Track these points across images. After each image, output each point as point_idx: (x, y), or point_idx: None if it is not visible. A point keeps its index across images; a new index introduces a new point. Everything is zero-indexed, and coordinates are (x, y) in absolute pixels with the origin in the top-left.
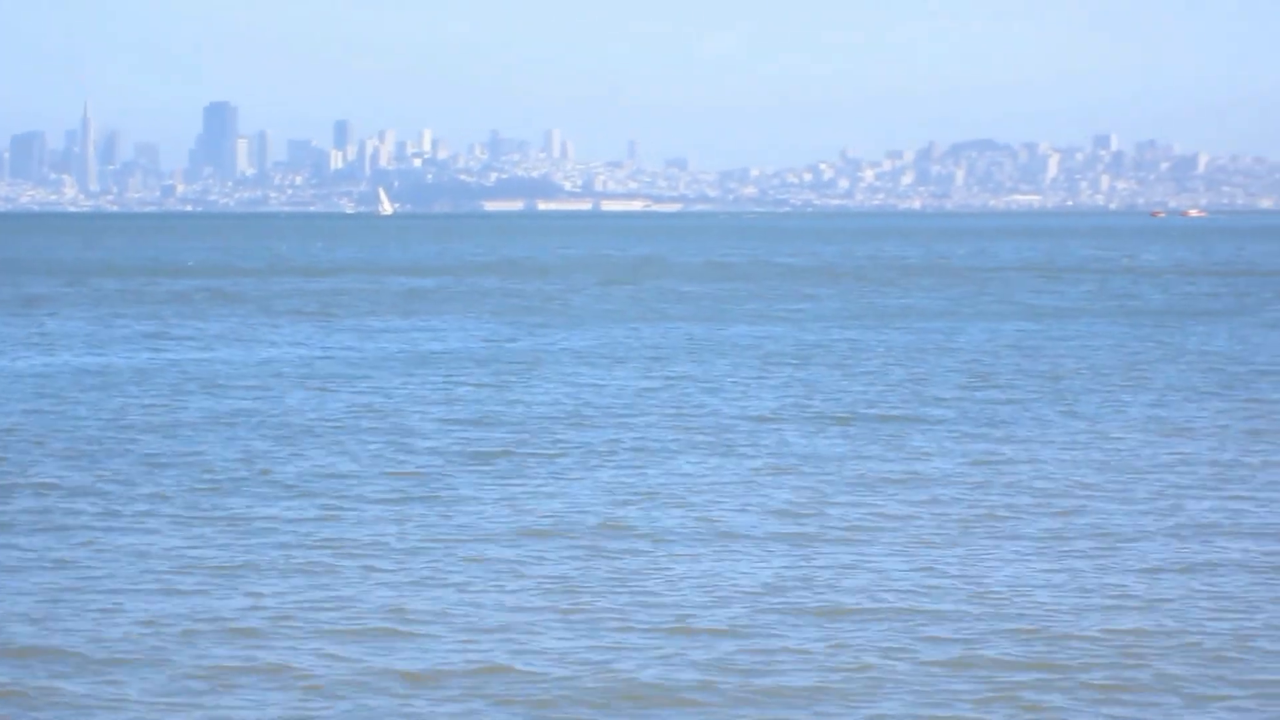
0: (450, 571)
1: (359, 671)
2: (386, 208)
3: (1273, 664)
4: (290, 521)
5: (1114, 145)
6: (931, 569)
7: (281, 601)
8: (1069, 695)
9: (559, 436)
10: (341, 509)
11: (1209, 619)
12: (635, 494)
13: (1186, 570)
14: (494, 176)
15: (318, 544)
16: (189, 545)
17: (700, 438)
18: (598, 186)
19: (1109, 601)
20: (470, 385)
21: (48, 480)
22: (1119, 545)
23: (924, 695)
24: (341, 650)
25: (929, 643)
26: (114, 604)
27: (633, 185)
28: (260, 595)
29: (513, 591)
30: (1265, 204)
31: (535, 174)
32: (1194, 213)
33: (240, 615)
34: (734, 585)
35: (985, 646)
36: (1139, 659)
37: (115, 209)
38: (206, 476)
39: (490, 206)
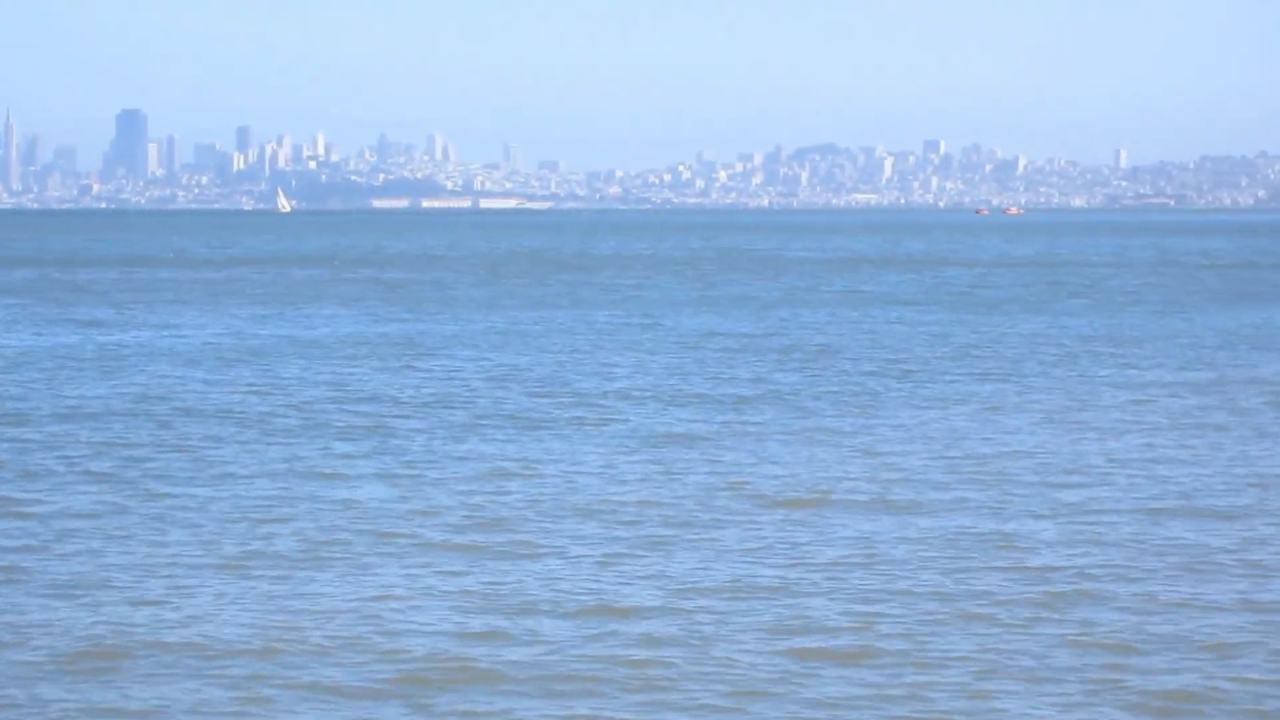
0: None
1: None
2: (284, 205)
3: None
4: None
5: (943, 149)
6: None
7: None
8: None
9: (426, 412)
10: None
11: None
12: (493, 468)
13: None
14: (382, 177)
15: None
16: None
17: (564, 414)
18: (476, 186)
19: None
20: (355, 368)
21: None
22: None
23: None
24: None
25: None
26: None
27: (508, 185)
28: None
29: (408, 571)
30: (1077, 202)
31: (420, 175)
32: (1013, 210)
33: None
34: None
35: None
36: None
37: (36, 206)
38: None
39: (378, 204)
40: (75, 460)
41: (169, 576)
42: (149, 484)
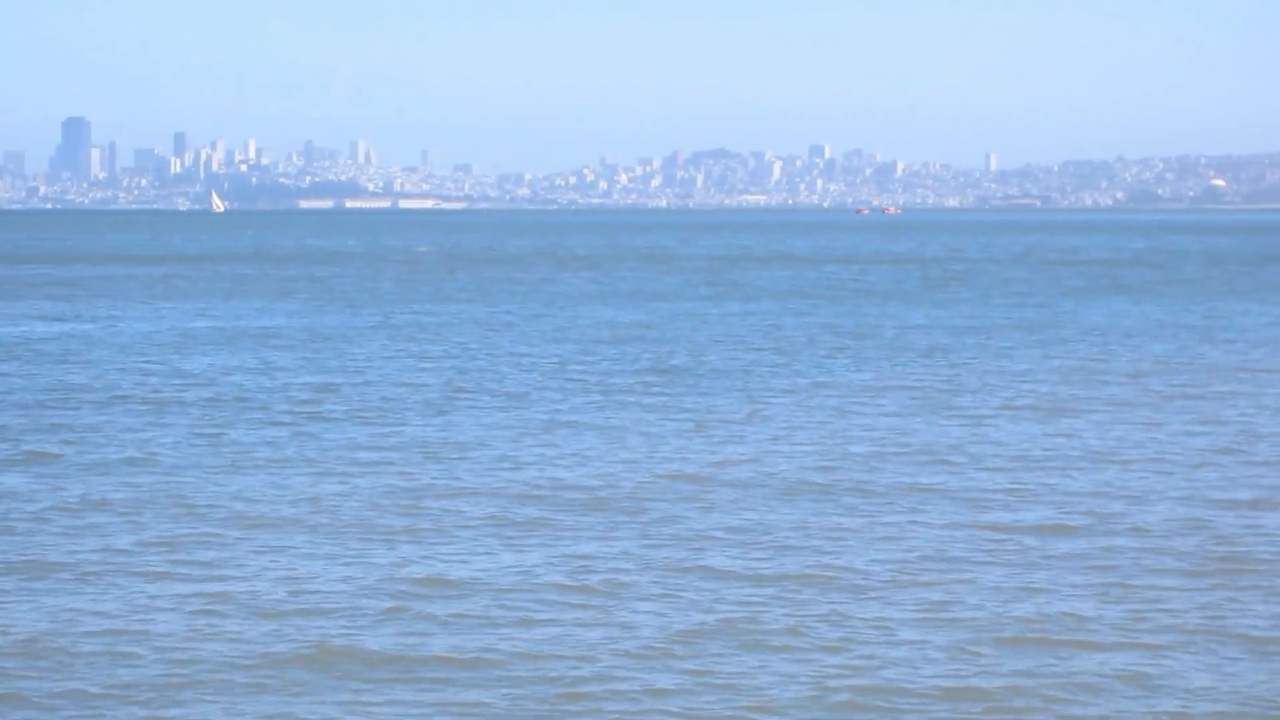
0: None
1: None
2: (218, 206)
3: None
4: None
5: (827, 153)
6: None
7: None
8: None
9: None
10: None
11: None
12: (408, 451)
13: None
14: (308, 179)
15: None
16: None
17: (468, 400)
18: (396, 188)
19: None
20: (274, 355)
21: None
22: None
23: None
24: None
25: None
26: None
27: (425, 187)
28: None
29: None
30: (951, 203)
31: (343, 177)
32: (892, 210)
33: None
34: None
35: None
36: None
37: None
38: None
39: (305, 204)
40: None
41: None
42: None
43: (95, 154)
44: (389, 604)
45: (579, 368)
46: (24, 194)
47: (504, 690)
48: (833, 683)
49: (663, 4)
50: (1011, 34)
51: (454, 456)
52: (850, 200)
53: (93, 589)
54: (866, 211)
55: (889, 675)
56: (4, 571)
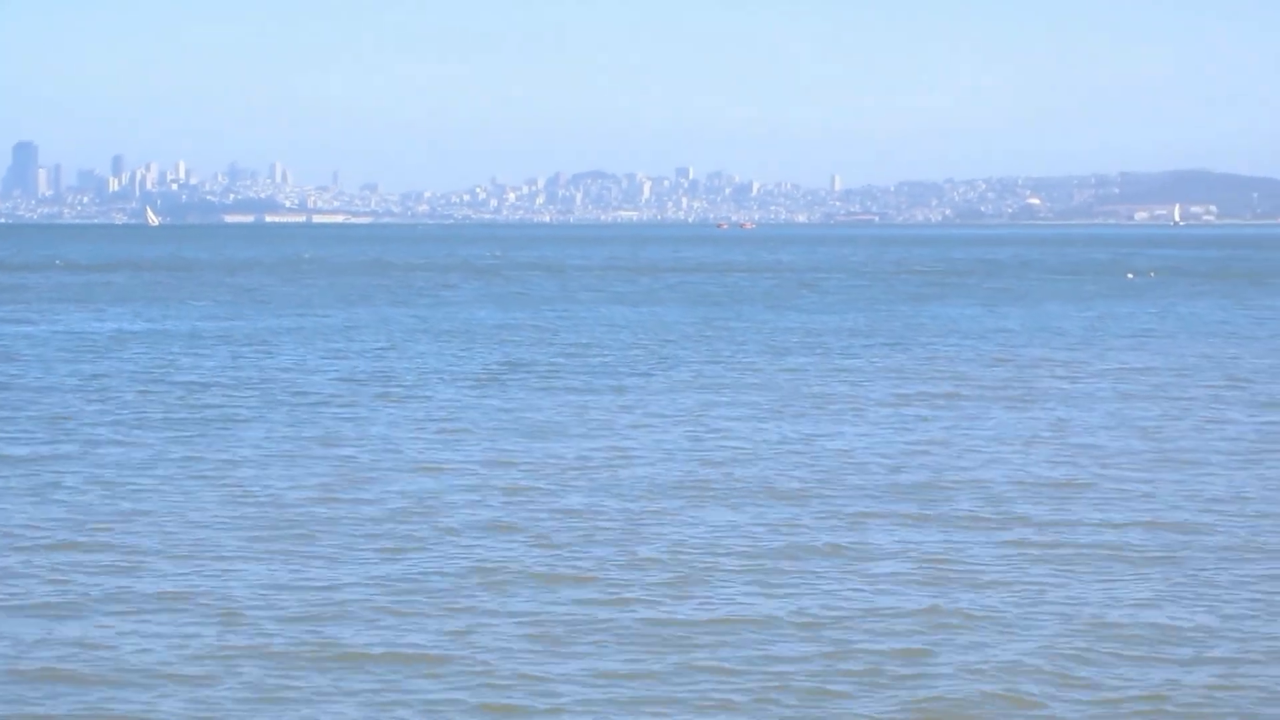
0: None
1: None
2: (153, 220)
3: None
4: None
5: (691, 174)
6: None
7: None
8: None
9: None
10: None
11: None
12: (317, 438)
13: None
14: (232, 197)
15: None
16: None
17: (371, 391)
18: (310, 204)
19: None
20: (189, 355)
21: None
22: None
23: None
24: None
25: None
26: None
27: (336, 203)
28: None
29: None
30: (800, 218)
31: (263, 195)
32: (748, 225)
33: None
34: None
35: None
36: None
37: None
38: None
39: (229, 219)
40: None
41: None
42: None
43: (42, 174)
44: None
45: (477, 363)
46: None
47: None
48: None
49: (544, 37)
50: (853, 64)
51: (394, 442)
52: (711, 216)
53: None
54: (726, 226)
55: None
56: None
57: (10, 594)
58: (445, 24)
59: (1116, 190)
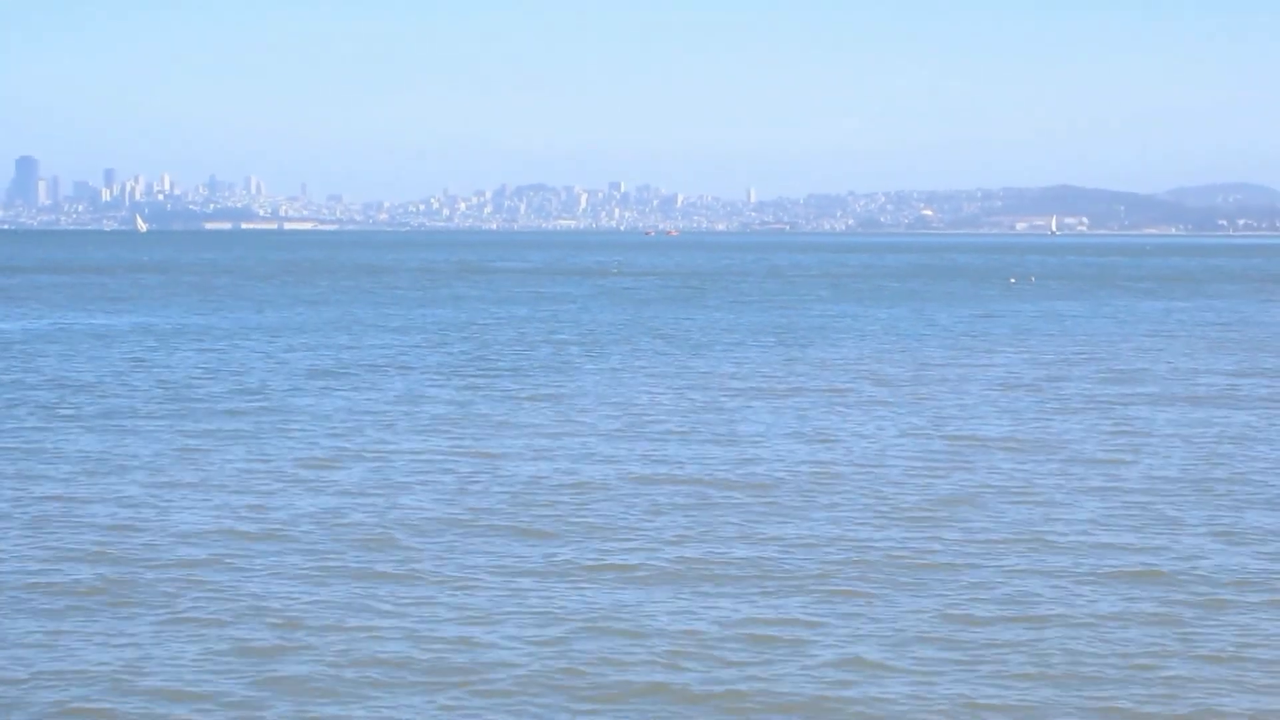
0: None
1: None
2: (141, 227)
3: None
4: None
5: (623, 187)
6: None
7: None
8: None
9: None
10: None
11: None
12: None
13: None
14: (212, 206)
15: None
16: None
17: (316, 384)
18: (281, 213)
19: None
20: (157, 351)
21: None
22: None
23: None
24: None
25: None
26: None
27: (305, 212)
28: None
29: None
30: (719, 227)
31: (239, 204)
32: (673, 233)
33: None
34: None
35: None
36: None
37: None
38: None
39: (209, 226)
40: None
41: None
42: None
43: (42, 185)
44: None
45: (401, 357)
46: None
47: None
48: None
49: (493, 64)
50: (769, 89)
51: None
52: (640, 225)
53: None
54: (653, 234)
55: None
56: None
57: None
58: (401, 51)
59: (1000, 203)
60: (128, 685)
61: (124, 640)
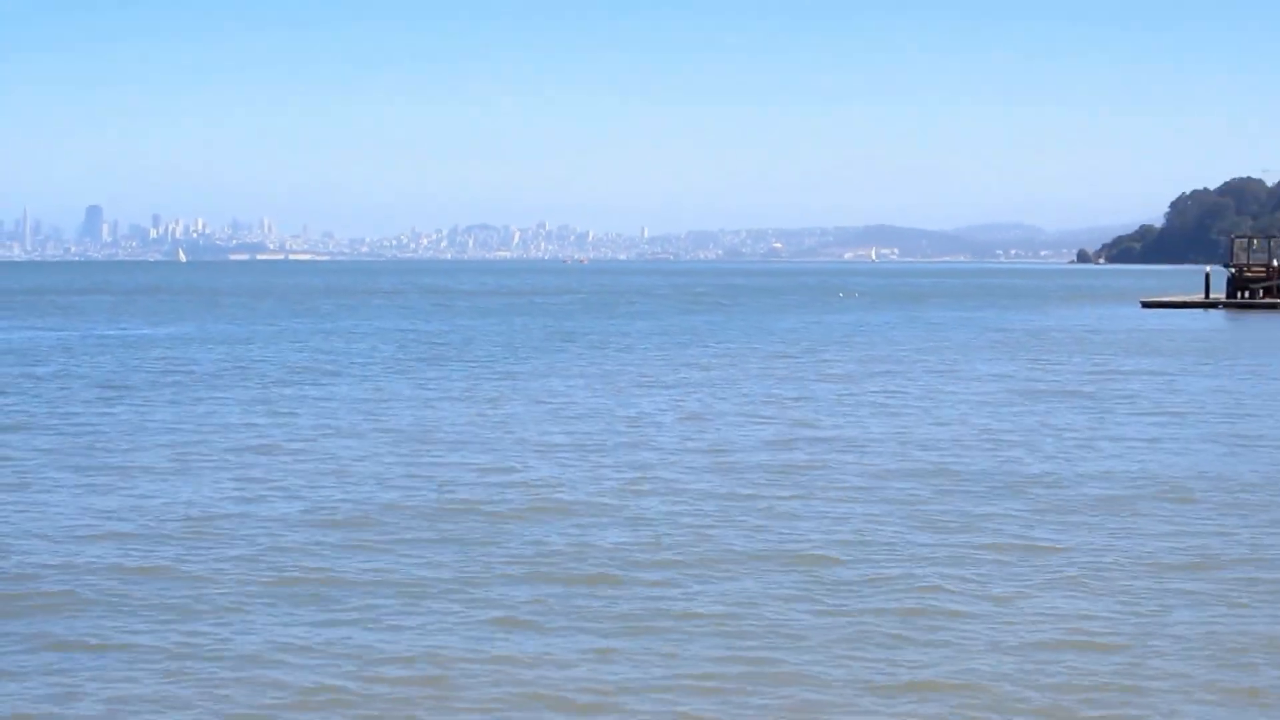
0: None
1: None
2: (181, 258)
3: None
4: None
5: (547, 226)
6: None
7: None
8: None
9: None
10: None
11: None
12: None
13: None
14: (234, 241)
15: None
16: None
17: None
18: (287, 247)
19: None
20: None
21: None
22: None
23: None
24: None
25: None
26: None
27: (305, 246)
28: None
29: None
30: (621, 257)
31: (255, 240)
32: (585, 260)
33: None
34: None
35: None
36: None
37: (38, 259)
38: None
39: (232, 257)
40: None
41: None
42: None
43: (105, 227)
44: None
45: (335, 361)
46: (62, 252)
47: None
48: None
49: (451, 128)
50: (655, 142)
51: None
52: (560, 255)
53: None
54: (570, 262)
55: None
56: None
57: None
58: (378, 123)
59: (832, 238)
60: None
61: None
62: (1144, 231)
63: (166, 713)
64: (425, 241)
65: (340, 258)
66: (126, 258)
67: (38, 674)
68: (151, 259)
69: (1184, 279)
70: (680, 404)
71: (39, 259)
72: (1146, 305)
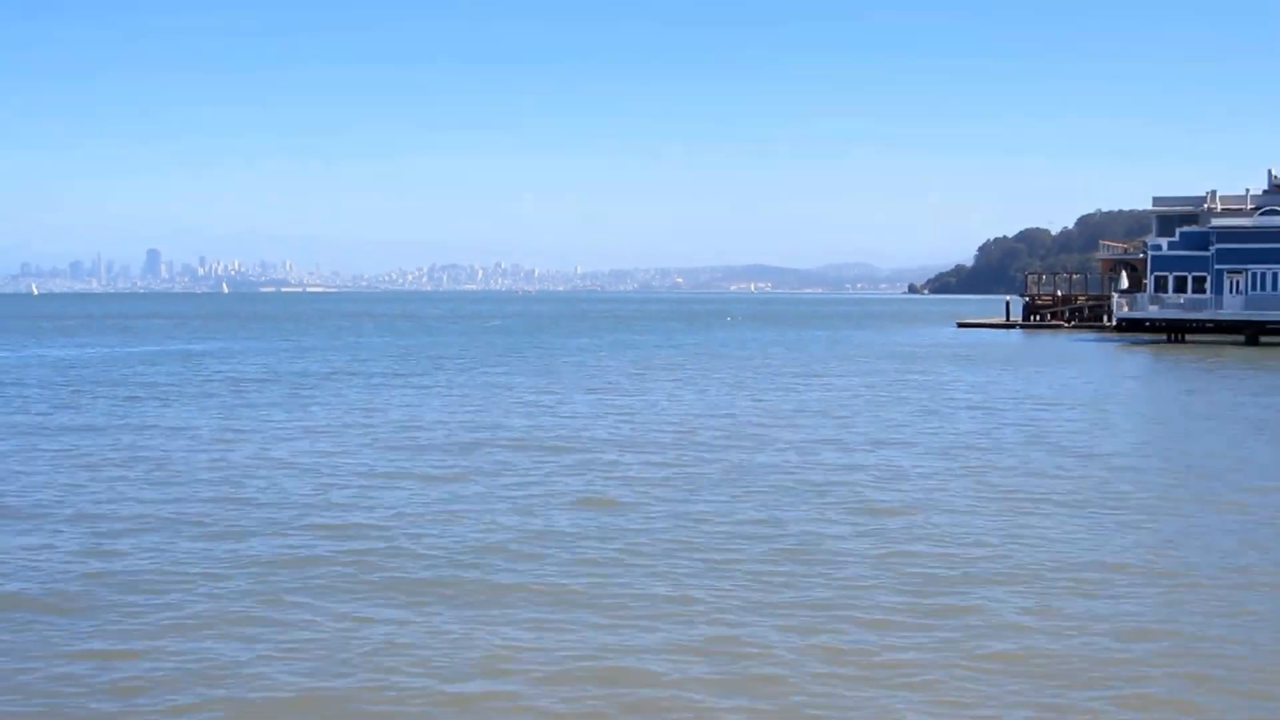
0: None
1: None
2: (224, 290)
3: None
4: None
5: (503, 264)
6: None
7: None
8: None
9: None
10: None
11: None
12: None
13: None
14: (263, 277)
15: None
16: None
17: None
18: (304, 282)
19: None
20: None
21: None
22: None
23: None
24: None
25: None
26: None
27: (317, 281)
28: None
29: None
30: (560, 288)
31: (280, 276)
32: (532, 290)
33: None
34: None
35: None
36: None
37: (112, 291)
38: None
39: (262, 289)
40: None
41: None
42: None
43: (163, 265)
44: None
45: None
46: (130, 285)
47: None
48: None
49: (430, 179)
50: (583, 195)
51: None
52: (514, 287)
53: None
54: (520, 293)
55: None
56: None
57: None
58: (370, 181)
59: (721, 274)
60: None
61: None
62: (958, 269)
63: None
64: (410, 277)
65: (345, 289)
66: (180, 290)
67: None
68: (199, 291)
69: (989, 306)
70: (605, 400)
71: (112, 291)
72: (961, 325)
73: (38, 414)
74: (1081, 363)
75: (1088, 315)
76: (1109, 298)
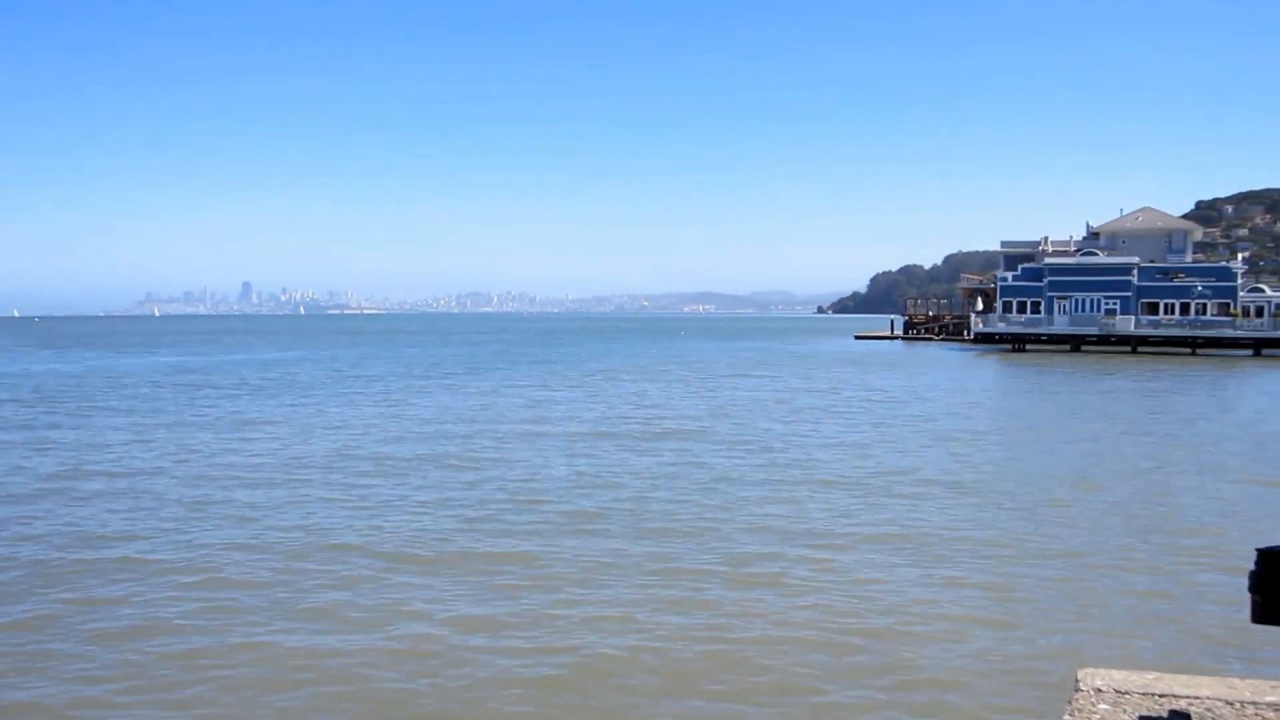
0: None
1: None
2: (301, 312)
3: None
4: None
5: (511, 292)
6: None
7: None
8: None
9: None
10: None
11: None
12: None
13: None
14: (331, 302)
15: None
16: None
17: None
18: (363, 306)
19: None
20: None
21: None
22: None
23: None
24: None
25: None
26: None
27: (374, 305)
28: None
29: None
30: (555, 310)
31: (344, 301)
32: (534, 311)
33: None
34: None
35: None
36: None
37: (214, 314)
38: None
39: (330, 313)
40: None
41: None
42: None
43: (254, 294)
44: None
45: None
46: (228, 310)
47: None
48: None
49: (458, 225)
50: (570, 238)
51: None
52: (521, 310)
53: None
54: (526, 315)
55: None
56: None
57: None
58: (412, 226)
59: (677, 299)
60: None
61: None
62: (855, 295)
63: None
64: (441, 302)
65: (393, 311)
66: (267, 313)
67: None
68: (282, 314)
69: (878, 323)
70: (592, 395)
71: (214, 314)
72: (858, 338)
73: (232, 409)
74: (948, 366)
75: (953, 330)
76: (968, 317)
